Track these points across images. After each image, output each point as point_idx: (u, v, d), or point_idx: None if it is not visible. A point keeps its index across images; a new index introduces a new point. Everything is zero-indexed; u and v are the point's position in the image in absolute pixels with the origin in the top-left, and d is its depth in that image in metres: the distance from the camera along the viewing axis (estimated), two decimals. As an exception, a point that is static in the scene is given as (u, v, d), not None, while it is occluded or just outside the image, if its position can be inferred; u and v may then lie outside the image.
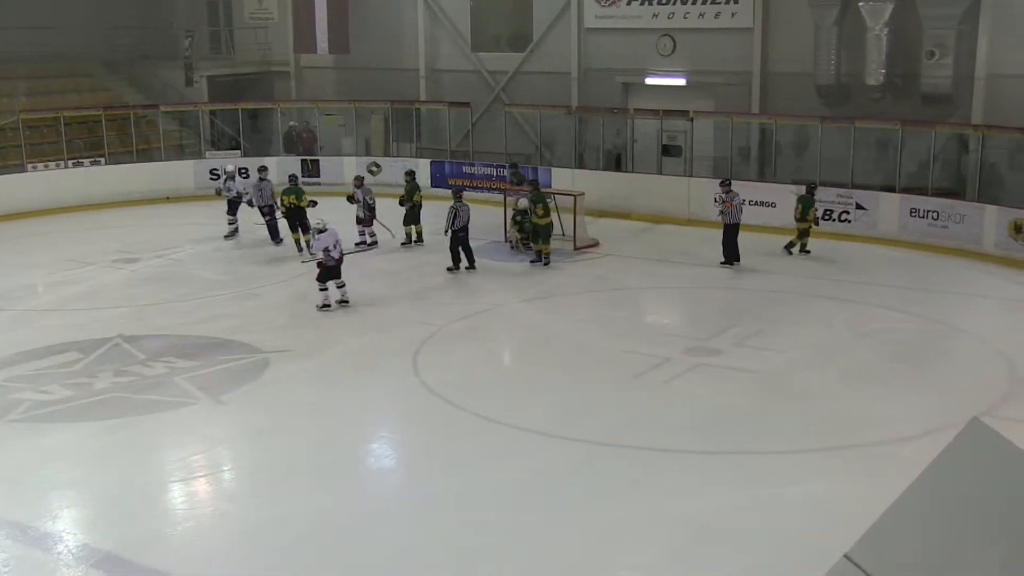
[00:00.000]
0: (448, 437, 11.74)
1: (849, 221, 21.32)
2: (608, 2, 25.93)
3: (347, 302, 16.72)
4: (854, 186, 21.46)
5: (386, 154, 28.05)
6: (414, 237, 20.99)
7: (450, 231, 18.86)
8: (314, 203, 20.38)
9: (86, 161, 26.11)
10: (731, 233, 19.17)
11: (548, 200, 19.68)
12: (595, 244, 20.78)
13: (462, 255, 18.94)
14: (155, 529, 9.72)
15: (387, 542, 9.42)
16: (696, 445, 11.41)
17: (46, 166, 25.37)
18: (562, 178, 23.84)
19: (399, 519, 9.92)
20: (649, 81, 25.98)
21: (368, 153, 28.09)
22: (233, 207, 22.14)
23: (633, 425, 11.96)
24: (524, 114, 26.84)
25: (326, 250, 16.49)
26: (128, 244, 20.75)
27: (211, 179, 25.48)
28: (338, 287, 16.75)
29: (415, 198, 20.85)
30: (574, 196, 20.44)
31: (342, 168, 27.17)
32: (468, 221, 18.92)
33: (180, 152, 28.26)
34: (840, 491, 10.14)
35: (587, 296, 17.83)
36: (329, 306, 16.58)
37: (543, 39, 27.38)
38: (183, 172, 26.84)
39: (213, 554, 9.30)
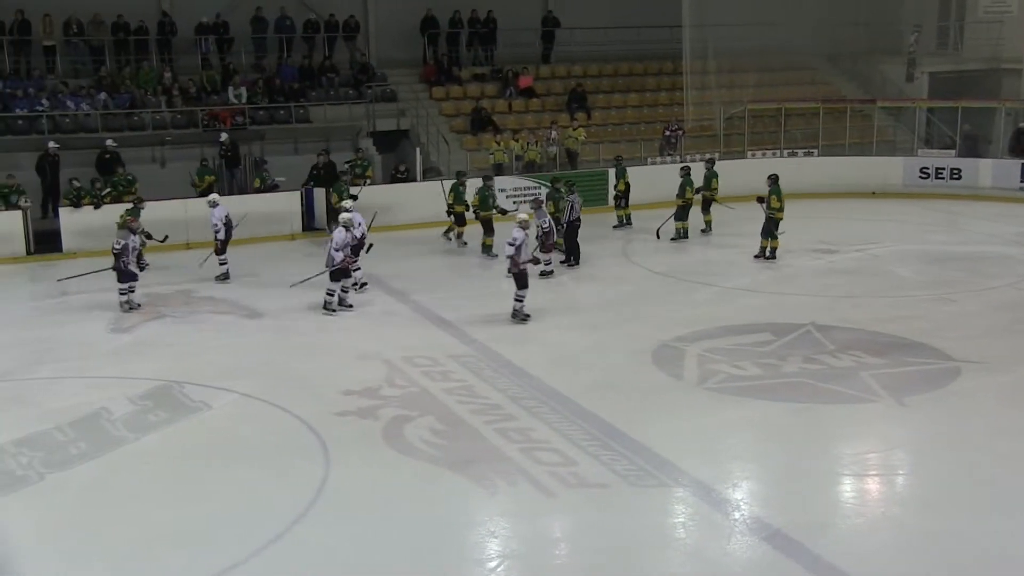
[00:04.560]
0: None
1: None
2: None
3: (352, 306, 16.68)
4: None
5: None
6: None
7: (566, 224, 19.09)
8: None
9: (800, 151, 27.20)
10: None
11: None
12: None
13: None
14: (823, 518, 9.94)
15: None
16: None
17: (763, 154, 26.93)
18: None
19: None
20: None
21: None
22: (223, 245, 18.58)
23: None
24: None
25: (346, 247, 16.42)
26: (829, 235, 21.14)
27: (920, 178, 24.92)
28: (343, 290, 16.69)
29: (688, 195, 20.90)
30: None
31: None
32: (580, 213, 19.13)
33: (891, 148, 28.15)
34: None
35: None
36: (350, 306, 16.66)
37: None
38: (892, 168, 26.78)
39: (880, 554, 9.22)
